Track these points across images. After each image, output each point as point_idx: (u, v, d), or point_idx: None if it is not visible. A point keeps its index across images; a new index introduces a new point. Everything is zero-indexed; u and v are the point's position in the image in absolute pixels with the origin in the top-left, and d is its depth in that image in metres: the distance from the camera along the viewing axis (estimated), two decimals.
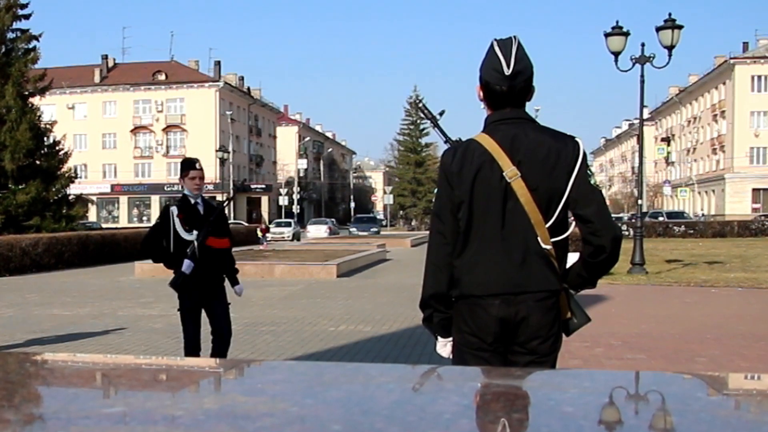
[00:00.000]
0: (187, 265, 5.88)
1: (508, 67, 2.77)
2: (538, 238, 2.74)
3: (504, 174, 2.74)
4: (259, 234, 38.04)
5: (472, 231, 2.80)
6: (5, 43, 31.13)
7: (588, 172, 2.82)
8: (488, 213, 2.77)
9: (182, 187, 6.17)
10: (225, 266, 6.28)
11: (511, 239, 2.75)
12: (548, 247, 2.75)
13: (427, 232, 3.17)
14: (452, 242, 2.85)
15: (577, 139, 2.83)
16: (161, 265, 6.25)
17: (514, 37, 2.83)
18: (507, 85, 2.79)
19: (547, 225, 2.75)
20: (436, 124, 3.26)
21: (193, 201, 6.07)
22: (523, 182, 2.73)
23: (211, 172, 67.17)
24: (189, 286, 6.00)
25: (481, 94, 2.89)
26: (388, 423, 1.04)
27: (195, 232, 5.92)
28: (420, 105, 3.37)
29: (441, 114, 3.30)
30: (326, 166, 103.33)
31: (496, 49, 2.81)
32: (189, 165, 6.09)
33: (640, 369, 2.96)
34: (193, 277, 5.95)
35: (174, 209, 6.00)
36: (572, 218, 2.86)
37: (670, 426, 1.10)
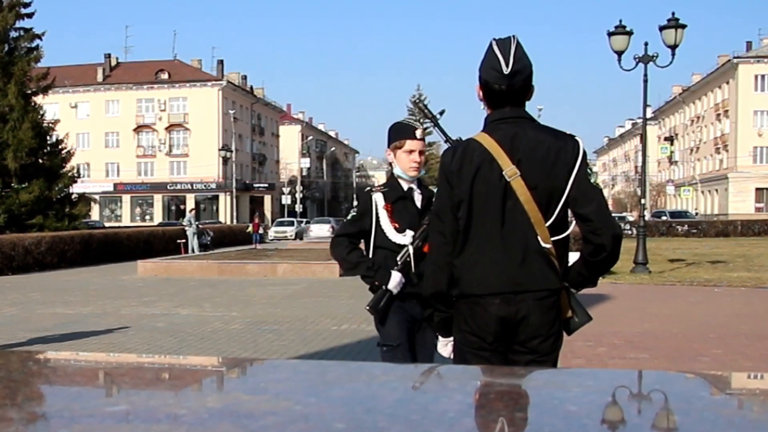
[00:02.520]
0: (396, 280, 4.01)
1: (507, 66, 2.77)
2: (538, 237, 2.74)
3: (503, 173, 2.74)
4: (250, 230, 36.54)
5: (472, 230, 2.80)
6: (8, 42, 31.18)
7: (588, 170, 2.82)
8: (488, 212, 2.77)
9: (391, 164, 4.20)
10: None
11: (510, 238, 2.76)
12: (548, 246, 2.75)
13: None
14: (452, 242, 2.86)
15: (577, 138, 2.83)
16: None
17: (513, 36, 2.83)
18: (506, 84, 2.79)
19: (547, 224, 2.75)
20: (436, 124, 3.27)
21: (406, 187, 4.10)
22: (523, 181, 2.73)
23: (213, 171, 67.32)
24: (395, 309, 4.10)
25: (481, 93, 2.89)
26: (392, 421, 1.04)
27: (409, 233, 4.02)
28: (420, 104, 3.36)
29: (441, 113, 3.30)
30: (329, 165, 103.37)
31: (495, 48, 2.81)
32: (405, 131, 4.03)
33: (643, 368, 2.96)
34: (400, 298, 4.07)
35: (379, 197, 4.11)
36: (572, 217, 2.86)
37: (674, 425, 1.10)
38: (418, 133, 3.98)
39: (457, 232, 2.84)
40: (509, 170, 2.73)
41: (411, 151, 3.98)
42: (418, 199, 4.10)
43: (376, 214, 4.08)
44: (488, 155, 2.76)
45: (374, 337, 9.36)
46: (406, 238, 4.02)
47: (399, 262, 4.02)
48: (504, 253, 2.76)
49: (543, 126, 2.88)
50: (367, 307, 4.19)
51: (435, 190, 3.60)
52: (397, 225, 4.04)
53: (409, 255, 3.99)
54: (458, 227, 2.84)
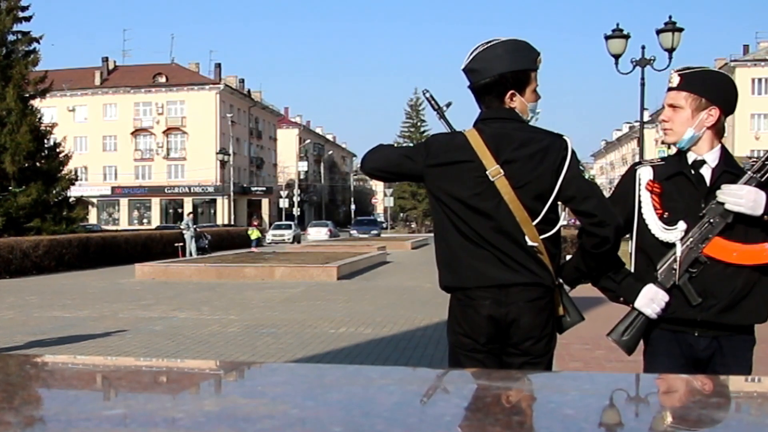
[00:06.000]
0: (647, 297, 2.82)
1: (463, 63, 2.88)
2: (526, 237, 2.76)
3: (487, 172, 2.76)
4: (250, 233, 36.21)
5: (458, 229, 2.82)
6: (6, 45, 31.15)
7: (580, 167, 2.83)
8: (473, 211, 2.79)
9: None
10: (753, 309, 2.78)
11: (498, 237, 2.77)
12: (536, 244, 2.77)
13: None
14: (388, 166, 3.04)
15: (565, 137, 2.84)
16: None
17: (499, 39, 2.87)
18: (468, 80, 2.88)
19: (535, 222, 2.76)
20: (442, 116, 3.24)
21: (692, 159, 2.84)
22: (507, 180, 2.75)
23: (211, 174, 67.29)
24: (664, 343, 2.88)
25: None
26: (389, 425, 1.04)
27: (681, 226, 2.78)
28: (427, 95, 3.32)
29: (448, 105, 3.28)
30: (327, 169, 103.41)
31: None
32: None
33: (641, 371, 2.95)
34: (672, 326, 2.86)
35: (645, 172, 2.91)
36: (565, 215, 2.87)
37: (671, 428, 1.10)
38: (674, 79, 2.84)
39: (391, 165, 3.01)
40: (493, 170, 2.75)
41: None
42: (706, 175, 2.82)
43: (638, 196, 2.89)
44: (473, 153, 2.78)
45: (372, 340, 9.38)
46: (674, 233, 2.80)
47: (660, 273, 2.82)
48: (492, 252, 2.77)
49: (531, 126, 2.90)
50: (609, 336, 2.94)
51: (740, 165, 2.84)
52: (666, 214, 2.83)
53: (677, 260, 2.78)
54: (396, 167, 3.00)
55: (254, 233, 36.00)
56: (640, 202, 2.87)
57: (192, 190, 69.39)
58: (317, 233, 51.16)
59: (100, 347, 8.71)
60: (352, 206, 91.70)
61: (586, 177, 2.82)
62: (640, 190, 2.88)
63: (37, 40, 31.95)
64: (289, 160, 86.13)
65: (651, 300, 2.81)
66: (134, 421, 1.06)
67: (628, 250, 2.99)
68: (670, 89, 2.84)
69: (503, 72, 2.80)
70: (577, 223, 2.90)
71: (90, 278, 19.30)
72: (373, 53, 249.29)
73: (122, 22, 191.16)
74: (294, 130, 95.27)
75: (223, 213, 65.74)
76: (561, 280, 2.90)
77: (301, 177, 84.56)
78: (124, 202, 71.51)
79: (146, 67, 72.09)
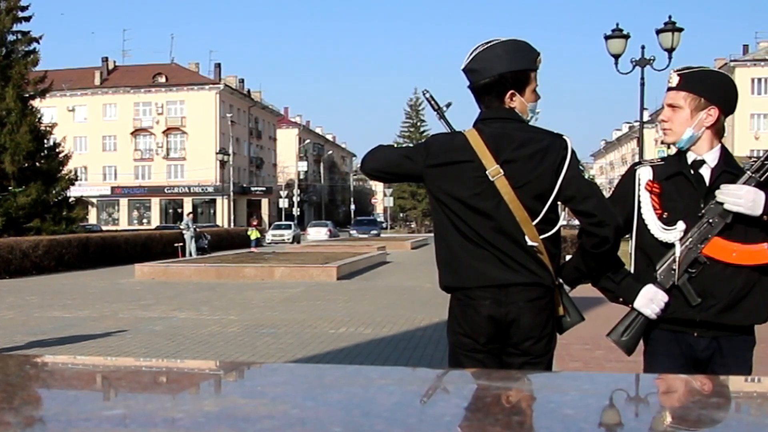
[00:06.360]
0: (647, 297, 2.81)
1: (463, 63, 2.88)
2: (526, 236, 2.76)
3: (487, 172, 2.76)
4: (251, 233, 36.11)
5: (458, 229, 2.82)
6: (5, 45, 31.17)
7: (580, 167, 2.82)
8: (473, 211, 2.79)
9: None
10: (753, 309, 2.77)
11: (497, 237, 2.77)
12: (536, 243, 2.77)
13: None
14: (388, 168, 3.04)
15: (564, 136, 2.84)
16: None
17: (498, 39, 2.87)
18: (468, 80, 2.88)
19: (534, 222, 2.76)
20: (442, 116, 3.24)
21: (691, 159, 2.83)
22: (507, 180, 2.75)
23: (211, 174, 67.28)
24: (663, 343, 2.87)
25: None
26: (389, 425, 1.04)
27: (680, 225, 2.78)
28: (427, 95, 3.31)
29: (448, 106, 3.28)
30: (326, 169, 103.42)
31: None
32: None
33: (641, 371, 2.95)
34: (672, 326, 2.85)
35: (645, 172, 2.91)
36: (564, 215, 2.87)
37: (671, 428, 1.10)
38: (673, 79, 2.84)
39: (392, 167, 3.01)
40: (493, 170, 2.76)
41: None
42: (706, 175, 2.81)
43: (638, 196, 2.88)
44: (473, 153, 2.78)
45: (372, 340, 9.38)
46: (674, 234, 2.78)
47: (660, 273, 2.81)
48: (492, 252, 2.77)
49: (531, 126, 2.90)
50: (609, 337, 2.94)
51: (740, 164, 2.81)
52: (665, 214, 2.81)
53: (676, 260, 2.77)
54: (398, 170, 3.00)
55: (254, 233, 35.93)
56: (639, 202, 2.86)
57: (192, 190, 69.39)
58: (317, 233, 51.17)
59: (100, 347, 8.71)
60: (352, 206, 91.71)
61: (586, 177, 2.81)
62: (639, 190, 2.88)
63: (36, 40, 31.97)
64: (288, 160, 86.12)
65: (650, 300, 2.80)
66: (134, 421, 1.06)
67: (628, 250, 2.98)
68: (669, 89, 2.84)
69: (503, 72, 2.81)
70: (577, 222, 2.89)
71: (90, 278, 19.30)
72: (373, 53, 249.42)
73: (122, 22, 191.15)
74: (294, 130, 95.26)
75: (222, 213, 65.73)
76: (561, 280, 2.90)
77: (301, 177, 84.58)
78: (123, 202, 71.50)
79: (146, 67, 72.08)
